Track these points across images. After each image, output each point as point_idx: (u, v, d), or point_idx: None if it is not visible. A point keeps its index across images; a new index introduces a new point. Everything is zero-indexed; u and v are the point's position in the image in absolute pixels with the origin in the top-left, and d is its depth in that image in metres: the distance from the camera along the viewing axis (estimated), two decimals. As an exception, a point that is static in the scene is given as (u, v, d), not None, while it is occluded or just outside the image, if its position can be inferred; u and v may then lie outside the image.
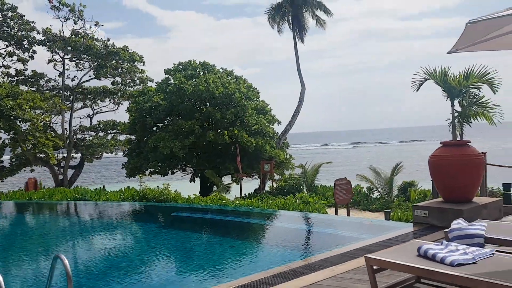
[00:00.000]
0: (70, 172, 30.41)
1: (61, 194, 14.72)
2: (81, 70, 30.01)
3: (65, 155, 29.42)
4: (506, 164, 10.27)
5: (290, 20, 30.19)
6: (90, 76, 29.69)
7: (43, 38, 28.65)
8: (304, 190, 20.27)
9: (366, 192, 19.22)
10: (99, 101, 32.32)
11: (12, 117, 22.25)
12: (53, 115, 29.82)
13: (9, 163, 29.73)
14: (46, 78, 30.48)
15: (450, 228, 5.26)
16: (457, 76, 7.66)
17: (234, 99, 20.07)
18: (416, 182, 19.19)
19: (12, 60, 29.05)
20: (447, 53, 4.73)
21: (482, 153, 9.39)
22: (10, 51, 28.69)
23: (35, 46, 28.94)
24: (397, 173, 18.93)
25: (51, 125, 30.22)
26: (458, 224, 5.35)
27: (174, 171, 21.44)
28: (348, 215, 12.28)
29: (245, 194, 20.59)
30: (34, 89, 30.13)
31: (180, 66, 21.86)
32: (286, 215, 10.42)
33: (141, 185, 14.77)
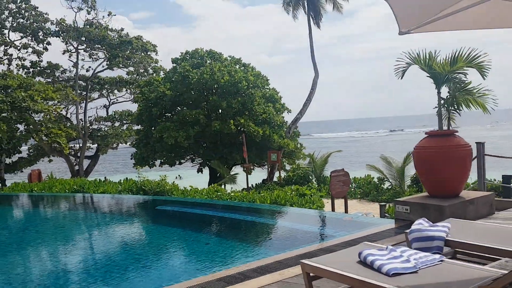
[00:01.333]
0: (86, 163, 30.72)
1: (61, 186, 14.66)
2: (96, 61, 30.16)
3: (81, 145, 29.72)
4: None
5: (305, 5, 29.46)
6: (103, 67, 29.77)
7: (57, 29, 28.77)
8: (313, 180, 19.79)
9: (377, 182, 18.62)
10: (116, 91, 32.40)
11: (23, 108, 22.42)
12: (69, 106, 30.18)
13: (27, 153, 30.22)
14: (61, 69, 30.70)
15: (410, 229, 4.76)
16: (443, 60, 7.04)
17: (241, 87, 19.64)
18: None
19: (27, 52, 29.35)
20: (399, 34, 4.20)
21: (479, 142, 8.76)
22: (25, 43, 28.96)
23: (49, 37, 29.12)
24: (408, 163, 18.22)
25: (68, 115, 30.60)
26: (419, 224, 4.84)
27: (182, 161, 21.23)
28: (346, 207, 11.78)
29: (252, 184, 20.26)
30: (50, 80, 30.44)
31: (187, 55, 21.53)
32: (268, 210, 9.96)
33: (139, 177, 14.58)
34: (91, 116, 30.83)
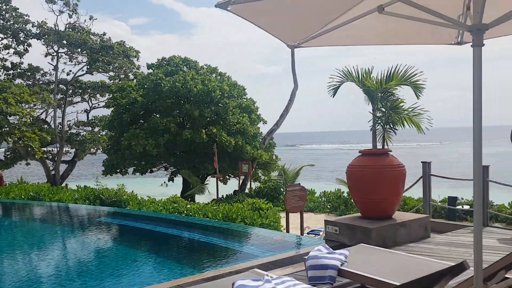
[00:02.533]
0: (64, 168, 30.31)
1: (18, 191, 14.31)
2: (77, 64, 29.85)
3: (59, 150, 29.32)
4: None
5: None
6: (83, 71, 29.47)
7: (38, 32, 28.51)
8: (284, 192, 19.50)
9: (347, 197, 18.38)
10: (98, 96, 32.06)
11: (-4, 111, 22.09)
12: (49, 110, 29.81)
13: (4, 156, 29.82)
14: (42, 72, 30.38)
15: (308, 255, 4.50)
16: (375, 77, 6.83)
17: (214, 96, 19.41)
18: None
19: (8, 53, 29.03)
20: (289, 47, 3.98)
21: (425, 162, 8.53)
22: (6, 44, 28.65)
23: (30, 39, 28.84)
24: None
25: (48, 119, 30.23)
26: (318, 251, 4.57)
27: (154, 169, 20.93)
28: (301, 223, 11.50)
29: (222, 195, 19.96)
30: (30, 82, 30.11)
31: (164, 62, 21.31)
32: (206, 225, 9.61)
33: (97, 185, 14.27)
34: (70, 120, 30.50)
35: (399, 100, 6.73)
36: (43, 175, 32.19)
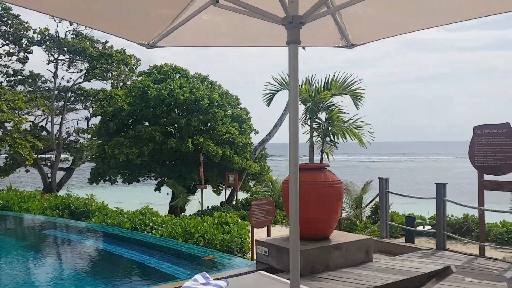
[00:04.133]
0: (61, 175, 30.19)
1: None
2: (78, 72, 29.84)
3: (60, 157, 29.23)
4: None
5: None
6: (82, 78, 29.40)
7: (39, 38, 28.59)
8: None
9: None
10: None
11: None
12: (49, 117, 29.75)
13: (3, 163, 29.85)
14: (43, 79, 30.44)
15: (183, 285, 3.97)
16: (318, 85, 6.28)
17: (202, 105, 18.99)
18: (390, 203, 17.51)
19: (10, 59, 29.15)
20: (148, 48, 3.49)
21: (382, 178, 7.90)
22: (9, 50, 28.79)
23: (32, 46, 28.92)
24: (366, 191, 17.33)
25: (47, 126, 30.18)
26: (194, 280, 4.03)
27: (140, 179, 20.52)
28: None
29: (208, 206, 19.47)
30: (31, 89, 30.16)
31: (155, 70, 20.99)
32: (150, 242, 9.07)
33: (68, 194, 13.92)
34: (68, 128, 30.43)
35: (335, 110, 6.16)
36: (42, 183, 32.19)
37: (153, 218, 11.87)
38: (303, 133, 6.37)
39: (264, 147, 22.24)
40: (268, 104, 6.48)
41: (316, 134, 6.34)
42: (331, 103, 6.32)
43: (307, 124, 6.28)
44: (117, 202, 31.55)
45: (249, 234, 11.68)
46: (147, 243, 8.53)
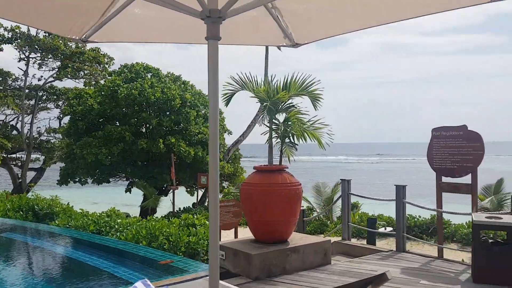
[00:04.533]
0: (32, 175, 29.56)
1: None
2: (49, 71, 29.24)
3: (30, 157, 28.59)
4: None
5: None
6: (53, 77, 28.85)
7: (9, 36, 27.92)
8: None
9: (307, 212, 17.71)
10: (73, 103, 31.37)
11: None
12: (20, 116, 29.08)
13: (-29, 163, 29.08)
14: (13, 77, 29.77)
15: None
16: (277, 86, 6.20)
17: (174, 105, 18.77)
18: (360, 204, 17.61)
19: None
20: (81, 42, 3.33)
21: (344, 180, 7.87)
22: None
23: (2, 44, 28.23)
24: (336, 192, 17.36)
25: (17, 125, 29.50)
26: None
27: (110, 179, 20.17)
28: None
29: (179, 208, 19.26)
30: (1, 87, 29.45)
31: (126, 69, 20.67)
32: (106, 245, 8.85)
33: (32, 195, 13.57)
34: (39, 127, 29.82)
35: (293, 111, 6.09)
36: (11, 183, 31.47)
37: (118, 221, 11.64)
38: (261, 134, 6.27)
39: (238, 148, 22.12)
40: (226, 105, 6.39)
41: (275, 135, 6.25)
42: (290, 104, 6.23)
43: (265, 125, 6.17)
44: (93, 204, 31.03)
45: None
46: (106, 246, 8.32)
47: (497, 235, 6.33)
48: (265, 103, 5.89)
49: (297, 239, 6.31)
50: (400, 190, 7.08)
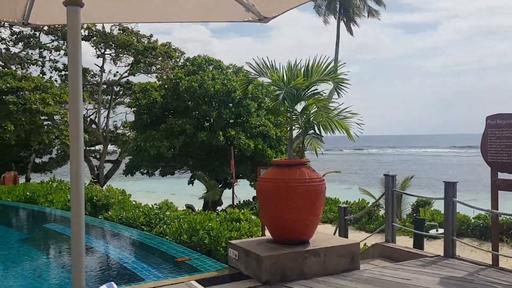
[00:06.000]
0: (109, 167, 30.93)
1: (19, 192, 14.31)
2: (124, 66, 30.37)
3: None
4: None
5: (337, 9, 28.12)
6: (127, 73, 29.90)
7: (86, 34, 29.28)
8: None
9: (371, 208, 16.76)
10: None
11: (34, 111, 22.74)
12: (103, 110, 30.48)
13: (55, 154, 30.99)
14: (92, 73, 31.25)
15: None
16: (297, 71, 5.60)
17: (235, 97, 18.54)
18: (432, 201, 16.28)
19: (59, 54, 30.15)
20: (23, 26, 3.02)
21: (387, 175, 7.06)
22: (57, 45, 29.76)
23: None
24: (406, 188, 16.25)
25: (96, 119, 30.95)
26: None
27: (174, 172, 20.43)
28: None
29: (239, 201, 19.06)
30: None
31: (188, 62, 20.78)
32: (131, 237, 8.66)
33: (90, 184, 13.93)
34: (116, 121, 31.12)
35: (315, 98, 5.45)
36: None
37: (167, 213, 11.57)
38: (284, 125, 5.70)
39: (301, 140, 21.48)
40: (243, 94, 5.89)
41: (297, 126, 5.66)
42: (315, 91, 5.60)
43: (287, 117, 5.60)
44: (168, 194, 31.67)
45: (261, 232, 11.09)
46: (131, 239, 8.19)
47: None
48: (278, 91, 5.31)
49: (320, 240, 5.69)
50: (450, 188, 6.18)
